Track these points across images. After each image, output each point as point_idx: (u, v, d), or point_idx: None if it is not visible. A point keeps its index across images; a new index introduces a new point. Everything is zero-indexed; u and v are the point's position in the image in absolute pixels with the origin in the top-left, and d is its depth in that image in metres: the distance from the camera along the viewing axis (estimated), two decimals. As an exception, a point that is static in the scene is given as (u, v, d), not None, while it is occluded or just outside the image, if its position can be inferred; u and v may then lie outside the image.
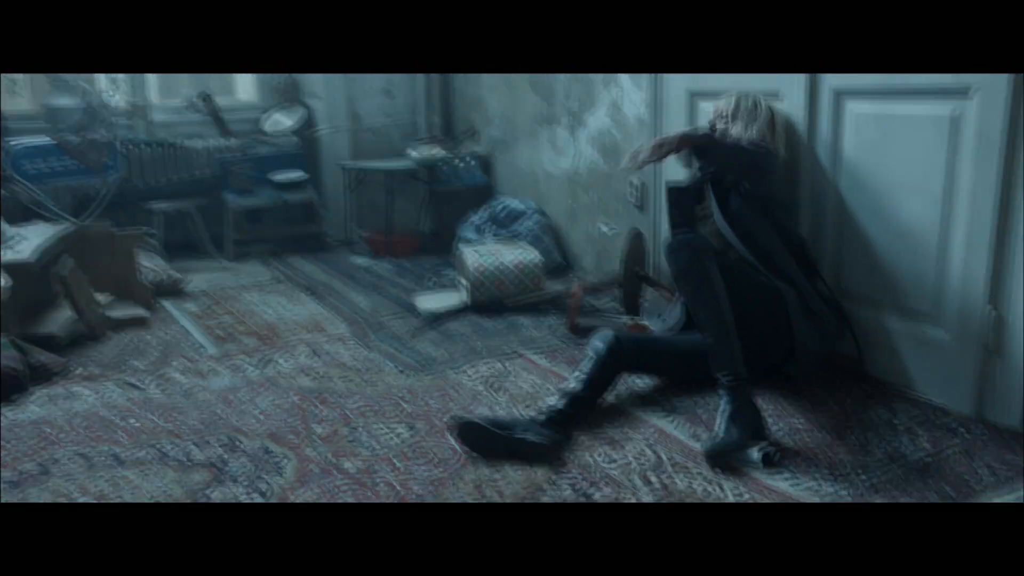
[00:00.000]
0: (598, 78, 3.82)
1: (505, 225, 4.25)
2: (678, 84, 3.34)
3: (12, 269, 2.97)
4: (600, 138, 3.88)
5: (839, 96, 2.64)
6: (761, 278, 2.49)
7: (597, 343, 2.47)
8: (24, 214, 4.16)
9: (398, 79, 5.22)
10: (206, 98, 5.12)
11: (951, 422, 2.36)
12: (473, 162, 4.73)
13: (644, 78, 3.50)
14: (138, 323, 3.49)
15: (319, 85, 5.11)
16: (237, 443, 2.33)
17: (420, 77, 5.22)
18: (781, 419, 2.39)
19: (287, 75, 5.31)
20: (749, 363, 2.28)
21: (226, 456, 2.25)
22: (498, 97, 4.73)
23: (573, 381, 2.39)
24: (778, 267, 2.52)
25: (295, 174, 4.84)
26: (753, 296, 2.44)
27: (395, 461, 2.20)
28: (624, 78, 3.65)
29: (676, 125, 3.35)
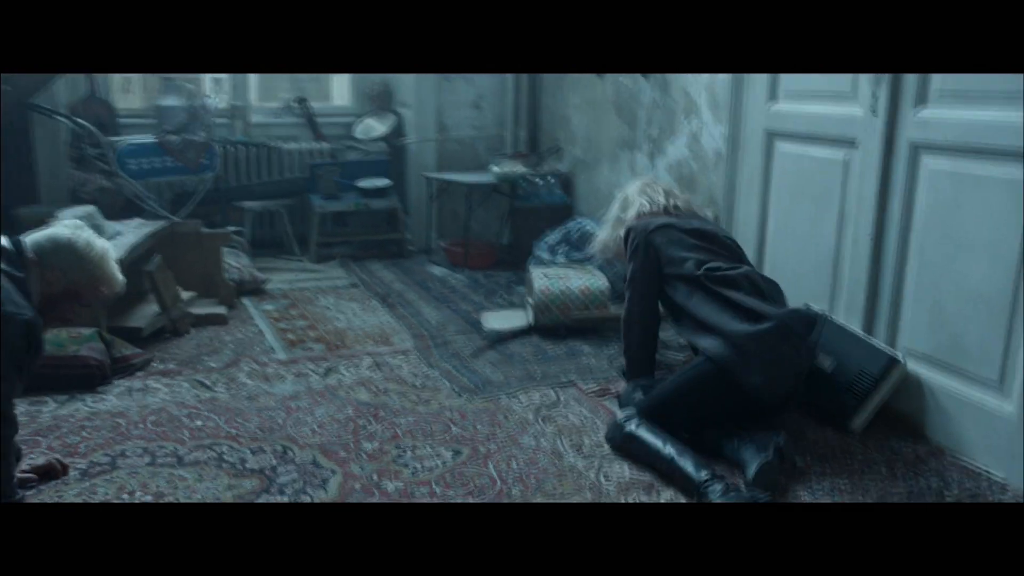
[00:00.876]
0: (679, 108, 3.81)
1: (578, 247, 4.26)
2: (756, 122, 3.30)
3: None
4: (678, 168, 3.87)
5: (916, 150, 2.57)
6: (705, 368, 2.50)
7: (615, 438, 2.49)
8: (125, 208, 4.42)
9: (488, 93, 5.30)
10: (302, 102, 5.32)
11: (1008, 499, 2.28)
12: (553, 180, 4.77)
13: (724, 113, 3.47)
14: (218, 320, 3.66)
15: (410, 94, 5.24)
16: (289, 453, 2.44)
17: (510, 91, 5.29)
18: (825, 477, 2.35)
19: (381, 83, 5.46)
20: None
21: (277, 465, 2.36)
22: (583, 117, 4.76)
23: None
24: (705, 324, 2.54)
25: (380, 181, 4.98)
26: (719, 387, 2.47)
27: (434, 486, 2.27)
28: (705, 111, 3.63)
29: (752, 164, 3.32)
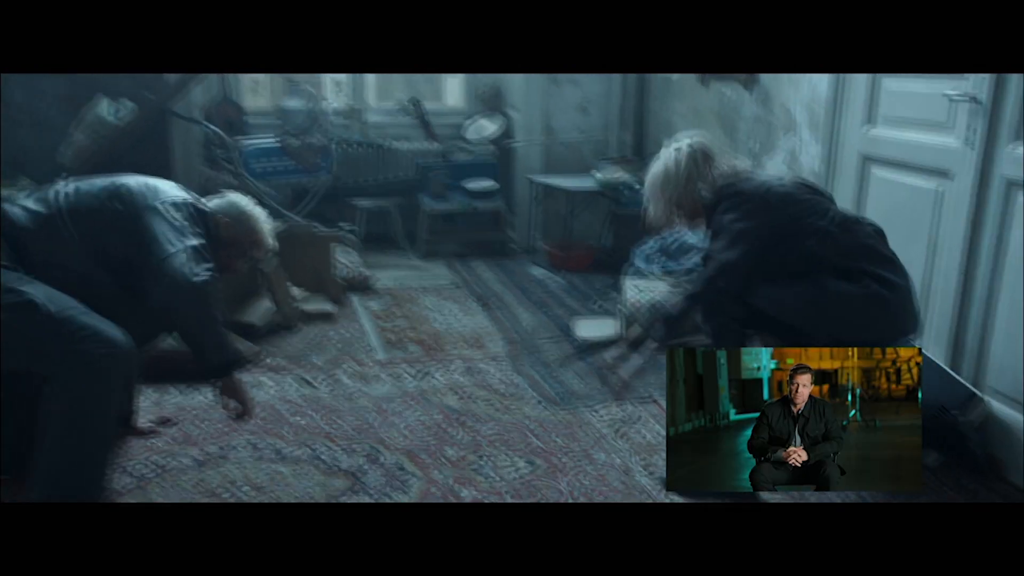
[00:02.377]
0: (779, 124, 3.80)
1: (675, 257, 4.31)
2: (853, 145, 3.28)
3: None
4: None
5: (1010, 186, 2.52)
6: None
7: None
8: (249, 205, 4.74)
9: (595, 96, 5.38)
10: (416, 103, 5.54)
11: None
12: (655, 187, 4.81)
13: (823, 133, 3.45)
14: (326, 318, 3.92)
15: (519, 97, 5.37)
16: (378, 455, 2.64)
17: (616, 95, 5.35)
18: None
19: (492, 84, 5.62)
20: None
21: (366, 467, 2.56)
22: (687, 125, 4.78)
23: None
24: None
25: (487, 183, 5.15)
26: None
27: (505, 495, 2.42)
28: (804, 129, 3.61)
29: (847, 187, 3.30)
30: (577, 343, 3.67)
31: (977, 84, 2.58)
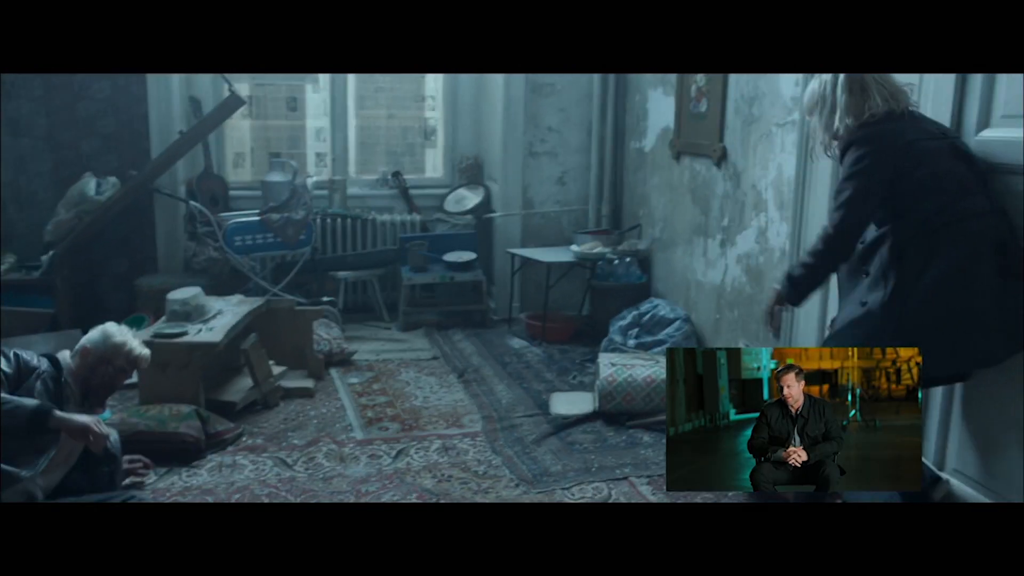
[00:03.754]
0: (749, 202, 3.91)
1: (651, 331, 4.40)
2: (818, 223, 3.37)
3: (204, 347, 3.49)
4: (746, 259, 3.96)
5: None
6: None
7: None
8: (232, 277, 4.82)
9: (572, 168, 5.50)
10: (396, 174, 5.65)
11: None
12: (631, 260, 4.91)
13: (789, 212, 3.56)
14: (305, 394, 3.95)
15: (498, 169, 5.49)
16: (353, 541, 2.66)
17: (594, 167, 5.47)
18: None
19: (472, 158, 5.75)
20: None
21: (341, 553, 2.58)
22: (661, 198, 4.90)
23: None
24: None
25: (466, 255, 5.23)
26: None
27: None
28: (772, 208, 3.72)
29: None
30: (553, 419, 3.72)
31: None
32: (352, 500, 2.92)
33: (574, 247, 5.03)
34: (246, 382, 3.81)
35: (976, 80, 2.55)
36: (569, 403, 3.87)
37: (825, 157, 2.68)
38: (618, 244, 5.09)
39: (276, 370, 3.96)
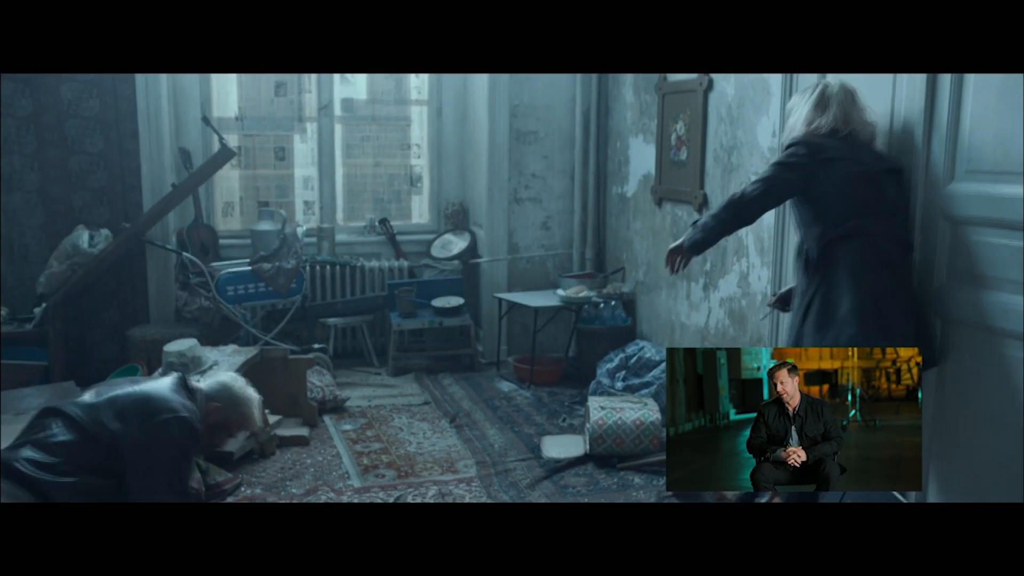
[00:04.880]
0: (731, 247, 4.05)
1: (638, 373, 4.50)
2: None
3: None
4: (729, 303, 4.09)
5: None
6: None
7: None
8: (223, 325, 4.88)
9: (556, 213, 5.63)
10: (383, 221, 5.76)
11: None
12: (616, 303, 5.03)
13: (770, 256, 3.70)
14: (300, 442, 4.01)
15: (483, 215, 5.60)
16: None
17: (577, 212, 5.60)
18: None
19: (458, 203, 5.87)
20: None
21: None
22: (644, 242, 5.04)
23: None
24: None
25: (454, 300, 5.33)
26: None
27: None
28: (753, 253, 3.86)
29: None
30: (545, 463, 3.79)
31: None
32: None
33: (560, 291, 5.14)
34: (242, 432, 3.85)
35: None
36: (560, 446, 3.95)
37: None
38: (603, 287, 5.21)
39: (271, 419, 4.01)
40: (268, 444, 3.88)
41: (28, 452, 2.39)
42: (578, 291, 5.09)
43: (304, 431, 4.10)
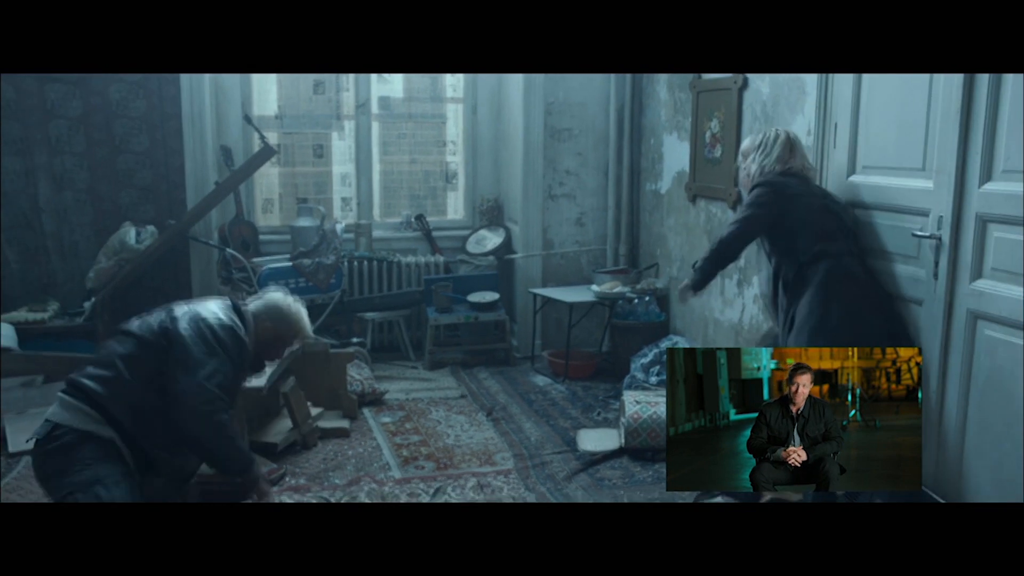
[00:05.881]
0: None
1: (671, 367, 4.53)
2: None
3: (249, 393, 3.65)
4: (763, 299, 4.12)
5: (974, 318, 2.77)
6: None
7: None
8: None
9: (590, 210, 5.68)
10: (420, 217, 5.84)
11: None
12: (650, 299, 5.07)
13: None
14: (341, 434, 4.11)
15: (518, 211, 5.67)
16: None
17: (611, 209, 5.65)
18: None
19: (493, 200, 5.94)
20: None
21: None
22: (678, 238, 5.07)
23: None
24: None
25: (489, 295, 5.40)
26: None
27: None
28: (788, 250, 3.88)
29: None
30: (581, 456, 3.86)
31: (933, 223, 2.87)
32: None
33: (594, 286, 5.20)
34: (286, 424, 3.97)
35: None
36: (596, 440, 4.01)
37: (745, 189, 3.36)
38: (636, 283, 5.25)
39: (313, 411, 4.12)
40: (311, 436, 3.99)
41: (92, 369, 2.62)
42: (612, 287, 5.14)
43: (345, 423, 4.20)
